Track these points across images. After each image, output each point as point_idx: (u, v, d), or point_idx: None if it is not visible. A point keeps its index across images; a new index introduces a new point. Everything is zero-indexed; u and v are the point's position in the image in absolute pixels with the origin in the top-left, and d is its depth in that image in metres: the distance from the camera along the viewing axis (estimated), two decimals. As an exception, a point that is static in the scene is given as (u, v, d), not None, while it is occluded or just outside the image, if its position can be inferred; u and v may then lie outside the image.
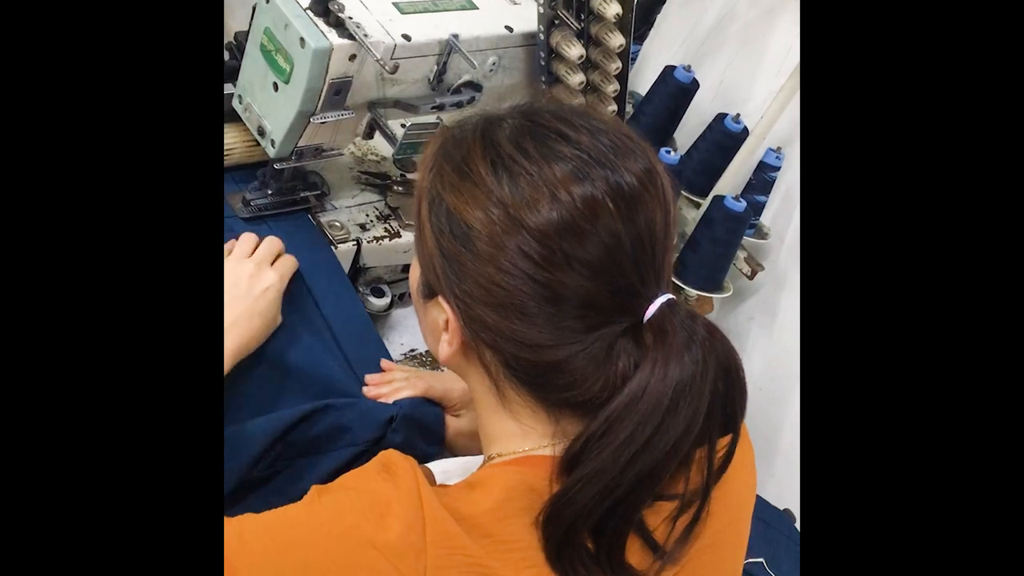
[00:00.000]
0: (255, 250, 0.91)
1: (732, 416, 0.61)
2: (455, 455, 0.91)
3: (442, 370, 0.98)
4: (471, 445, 0.90)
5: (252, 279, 0.86)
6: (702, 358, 0.57)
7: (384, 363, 0.93)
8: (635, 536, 0.60)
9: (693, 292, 1.27)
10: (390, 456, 0.61)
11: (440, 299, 0.64)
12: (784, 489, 1.44)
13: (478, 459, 0.70)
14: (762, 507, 1.35)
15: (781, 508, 1.34)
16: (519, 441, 0.64)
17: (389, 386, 0.90)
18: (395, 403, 0.87)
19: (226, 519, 0.58)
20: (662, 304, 0.59)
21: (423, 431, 0.87)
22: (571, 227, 0.58)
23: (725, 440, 0.62)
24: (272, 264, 0.90)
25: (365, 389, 0.89)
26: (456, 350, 0.65)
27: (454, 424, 0.90)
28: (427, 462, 0.88)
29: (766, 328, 1.45)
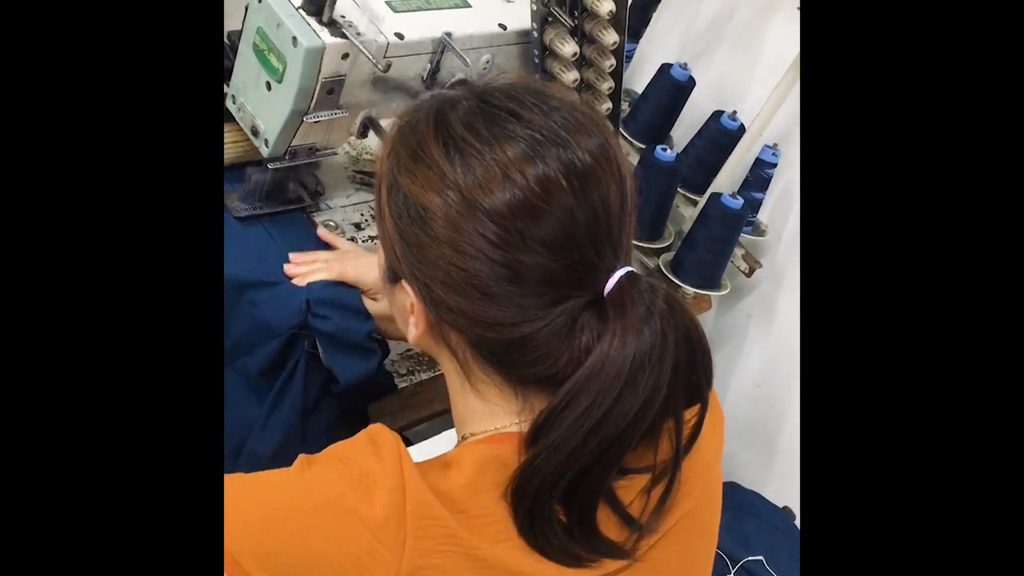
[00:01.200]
0: None
1: (697, 386, 0.62)
2: (387, 336, 0.93)
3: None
4: (389, 328, 0.92)
5: None
6: (660, 329, 0.58)
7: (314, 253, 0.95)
8: (610, 511, 0.61)
9: (691, 290, 1.27)
10: (378, 430, 0.62)
11: (403, 283, 0.64)
12: (783, 486, 1.44)
13: (445, 437, 0.71)
14: (761, 505, 1.35)
15: (780, 505, 1.34)
16: (489, 420, 0.65)
17: (309, 266, 0.92)
18: (306, 287, 0.89)
19: None
20: (621, 277, 0.59)
21: (349, 312, 0.89)
22: (526, 207, 0.58)
23: (693, 410, 0.63)
24: None
25: (286, 267, 0.92)
26: (423, 332, 0.65)
27: (372, 307, 0.91)
28: (368, 338, 0.90)
29: (764, 325, 1.45)
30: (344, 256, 0.95)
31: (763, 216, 1.39)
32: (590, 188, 0.60)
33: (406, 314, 0.66)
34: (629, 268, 0.60)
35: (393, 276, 0.67)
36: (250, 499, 0.58)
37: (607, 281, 0.59)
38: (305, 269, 0.91)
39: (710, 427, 0.65)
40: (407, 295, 0.64)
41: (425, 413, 1.06)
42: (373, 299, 0.91)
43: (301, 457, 0.61)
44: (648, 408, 0.57)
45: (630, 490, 0.62)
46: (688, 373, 0.60)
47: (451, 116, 0.62)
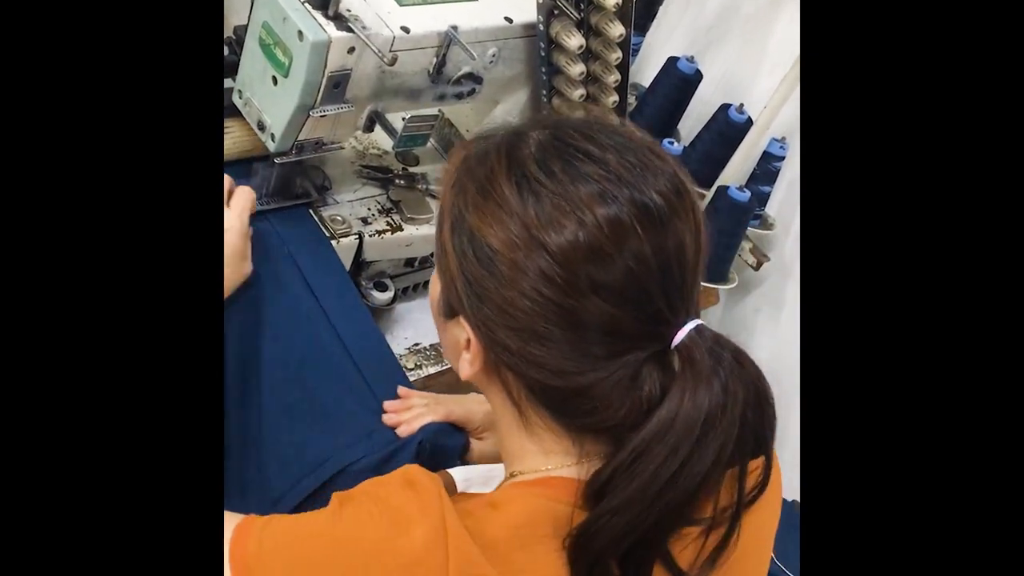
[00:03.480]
0: None
1: (762, 438, 0.59)
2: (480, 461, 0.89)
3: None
4: (493, 459, 0.88)
5: None
6: (729, 384, 0.56)
7: (401, 390, 0.90)
8: (661, 564, 0.58)
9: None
10: (413, 473, 0.60)
11: (461, 320, 0.62)
12: (793, 481, 1.44)
13: (500, 467, 0.69)
14: (770, 500, 1.34)
15: (789, 500, 1.33)
16: (541, 460, 0.63)
17: (409, 413, 0.86)
18: (420, 429, 0.84)
19: (248, 525, 0.59)
20: (691, 330, 0.57)
21: (442, 461, 0.85)
22: (596, 250, 0.56)
23: (757, 463, 0.60)
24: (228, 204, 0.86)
25: (385, 417, 0.87)
26: (478, 370, 0.63)
27: (478, 448, 0.88)
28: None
29: (772, 319, 1.45)
30: (440, 398, 0.90)
31: (771, 209, 1.39)
32: (664, 234, 0.57)
33: (459, 349, 0.64)
34: (699, 320, 0.58)
35: (450, 311, 0.64)
36: (284, 548, 0.57)
37: (676, 334, 0.57)
38: (408, 416, 0.86)
39: (770, 487, 0.63)
40: (463, 331, 0.62)
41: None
42: (479, 438, 0.89)
43: (335, 497, 0.59)
44: (716, 467, 0.55)
45: (682, 541, 0.59)
46: (754, 426, 0.58)
47: (524, 151, 0.60)
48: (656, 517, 0.55)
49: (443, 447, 0.86)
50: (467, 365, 0.64)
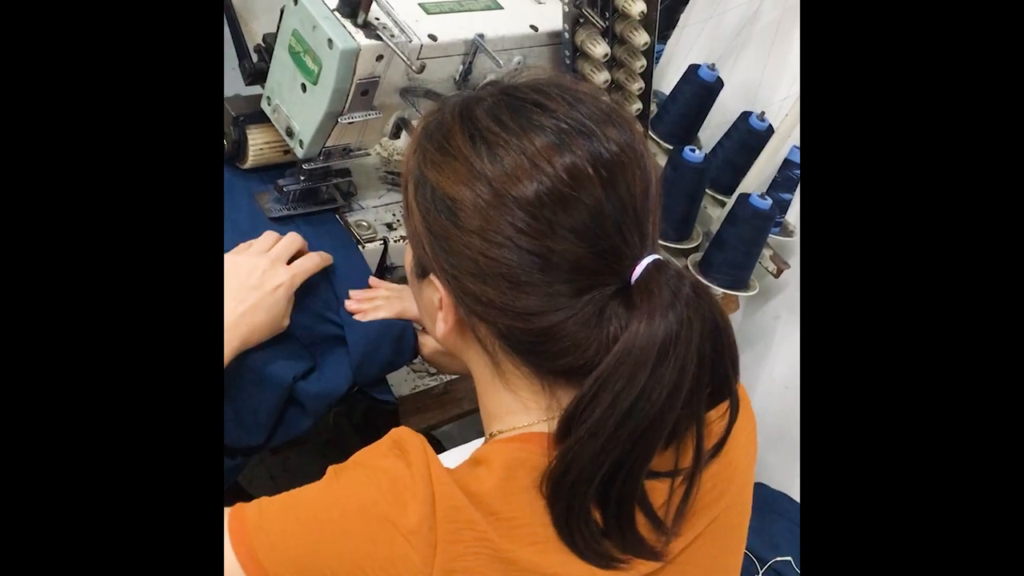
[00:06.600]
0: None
1: (724, 378, 0.61)
2: (441, 370, 0.95)
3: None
4: (451, 363, 0.93)
5: (265, 274, 0.86)
6: (686, 314, 0.58)
7: (372, 280, 0.95)
8: (641, 512, 0.61)
9: (719, 290, 1.27)
10: (401, 434, 0.62)
11: (432, 277, 0.65)
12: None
13: (478, 443, 0.72)
14: (790, 506, 1.34)
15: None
16: (518, 416, 0.65)
17: (370, 303, 0.91)
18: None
19: (242, 504, 0.61)
20: (648, 264, 0.60)
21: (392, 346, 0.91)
22: (555, 196, 0.59)
23: (722, 410, 0.63)
24: (290, 263, 0.90)
25: (348, 303, 0.92)
26: (451, 327, 0.66)
27: (431, 343, 0.92)
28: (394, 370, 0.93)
29: (792, 326, 1.45)
30: (404, 293, 0.94)
31: (791, 217, 1.39)
32: (617, 177, 0.60)
33: (434, 310, 0.67)
34: (656, 256, 0.61)
35: (421, 271, 0.67)
36: (282, 515, 0.59)
37: (634, 268, 0.60)
38: (368, 307, 0.91)
39: (740, 429, 0.65)
40: (435, 290, 0.65)
41: (454, 412, 1.07)
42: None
43: (329, 469, 0.62)
44: (677, 393, 0.57)
45: (660, 493, 0.62)
46: (713, 363, 0.60)
47: (477, 110, 0.63)
48: (623, 447, 0.57)
49: (389, 323, 0.90)
50: (441, 324, 0.66)
